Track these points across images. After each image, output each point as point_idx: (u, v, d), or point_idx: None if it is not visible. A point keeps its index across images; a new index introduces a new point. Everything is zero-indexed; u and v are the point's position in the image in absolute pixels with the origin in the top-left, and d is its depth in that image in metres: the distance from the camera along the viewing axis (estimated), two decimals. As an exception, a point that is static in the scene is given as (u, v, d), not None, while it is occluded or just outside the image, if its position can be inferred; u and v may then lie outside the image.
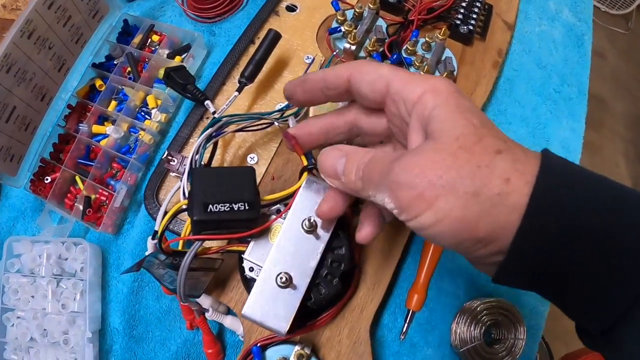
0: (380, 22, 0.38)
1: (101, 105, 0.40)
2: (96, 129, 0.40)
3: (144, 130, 0.39)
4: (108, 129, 0.40)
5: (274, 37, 0.35)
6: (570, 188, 0.18)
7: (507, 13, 0.45)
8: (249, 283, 0.33)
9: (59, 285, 0.39)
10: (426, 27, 0.41)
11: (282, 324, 0.26)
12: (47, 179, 0.40)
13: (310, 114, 0.33)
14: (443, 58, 0.38)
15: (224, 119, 0.31)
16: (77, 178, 0.40)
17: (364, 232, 0.25)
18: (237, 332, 0.35)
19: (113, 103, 0.41)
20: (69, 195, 0.40)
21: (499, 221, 0.18)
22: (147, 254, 0.36)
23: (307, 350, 0.30)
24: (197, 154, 0.29)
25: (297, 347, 0.30)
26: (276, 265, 0.27)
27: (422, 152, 0.19)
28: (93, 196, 0.39)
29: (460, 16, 0.41)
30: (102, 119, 0.41)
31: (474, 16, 0.41)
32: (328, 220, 0.27)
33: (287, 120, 0.32)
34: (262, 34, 0.39)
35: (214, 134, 0.31)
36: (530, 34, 0.47)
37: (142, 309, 0.38)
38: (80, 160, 0.40)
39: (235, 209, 0.26)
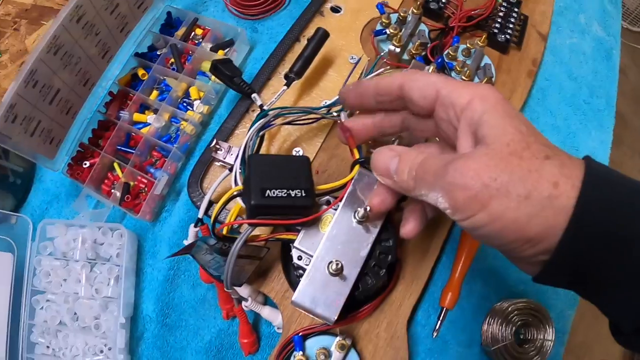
0: (423, 27, 0.41)
1: (143, 94, 0.42)
2: (137, 117, 0.42)
3: (186, 120, 0.41)
4: (149, 117, 0.42)
5: (323, 35, 0.37)
6: (614, 193, 0.20)
7: (542, 24, 0.47)
8: (290, 273, 0.35)
9: (92, 269, 0.40)
10: (465, 34, 0.43)
11: (332, 312, 0.28)
12: (85, 164, 0.42)
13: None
14: (482, 65, 0.40)
15: (277, 110, 0.32)
16: (116, 164, 0.42)
17: (409, 227, 0.27)
18: (273, 323, 0.36)
19: (154, 93, 0.43)
20: (106, 181, 0.42)
21: (547, 222, 0.19)
22: (185, 242, 0.37)
23: (348, 341, 0.32)
24: (250, 140, 0.31)
25: (338, 338, 0.32)
26: (328, 254, 0.28)
27: (476, 156, 0.21)
28: (132, 183, 0.41)
29: (497, 25, 0.43)
30: (143, 108, 0.43)
31: (511, 26, 0.44)
32: (378, 213, 0.28)
33: (335, 115, 0.34)
34: (307, 33, 0.41)
35: (265, 125, 0.32)
36: (562, 46, 0.49)
37: (177, 297, 0.39)
38: (119, 147, 0.42)
39: (292, 195, 0.27)
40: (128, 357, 0.39)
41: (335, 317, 0.28)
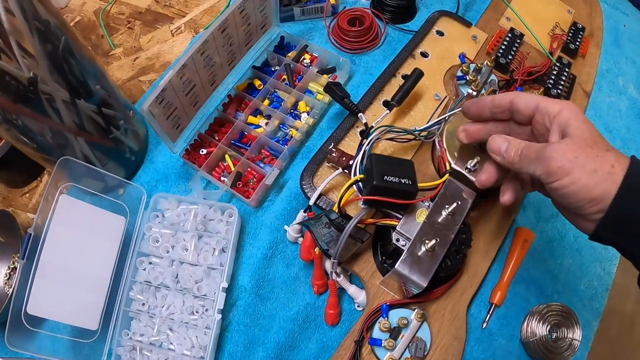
0: (493, 77, 0.63)
1: (258, 101, 0.62)
2: (251, 119, 0.63)
3: (295, 129, 0.61)
4: (261, 121, 0.62)
5: (419, 74, 0.59)
6: None
7: (587, 84, 0.70)
8: (378, 259, 0.54)
9: (199, 240, 0.59)
10: (525, 86, 0.66)
11: (424, 279, 0.47)
12: (202, 151, 0.61)
13: (443, 138, 0.56)
14: (538, 112, 0.62)
15: (386, 127, 0.53)
16: (227, 156, 0.61)
17: (506, 197, 0.47)
18: (355, 300, 0.55)
19: (266, 101, 0.64)
20: (216, 168, 0.61)
21: (605, 189, 0.38)
22: (286, 227, 0.57)
23: (425, 313, 0.51)
24: (367, 145, 0.52)
25: (417, 309, 0.51)
26: (424, 236, 0.48)
27: (565, 143, 0.40)
28: (243, 173, 0.60)
29: (551, 81, 0.66)
30: (256, 112, 0.63)
31: (562, 83, 0.67)
32: (485, 186, 0.48)
33: (429, 137, 0.55)
34: (402, 70, 0.63)
35: (377, 137, 0.53)
36: (602, 103, 0.72)
37: (272, 273, 0.58)
38: (233, 142, 0.62)
39: (403, 182, 0.47)
40: (221, 320, 0.56)
41: (426, 284, 0.47)
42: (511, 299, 0.58)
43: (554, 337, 0.57)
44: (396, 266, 0.48)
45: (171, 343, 0.56)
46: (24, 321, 0.50)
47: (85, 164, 0.58)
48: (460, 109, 0.58)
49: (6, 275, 0.64)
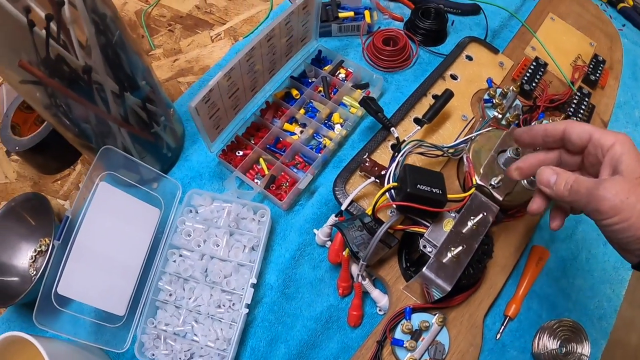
0: (517, 102, 0.71)
1: (294, 109, 0.70)
2: (286, 126, 0.70)
3: (328, 138, 0.69)
4: (296, 129, 0.70)
5: (449, 95, 0.67)
6: None
7: (605, 113, 0.79)
8: (403, 265, 0.61)
9: (231, 237, 0.65)
10: (547, 113, 0.74)
11: (448, 283, 0.54)
12: (239, 153, 0.69)
13: (470, 154, 0.64)
14: (558, 138, 0.71)
15: (417, 141, 0.61)
16: (262, 159, 0.69)
17: (556, 223, 0.52)
18: (378, 304, 0.62)
19: (302, 110, 0.71)
20: (250, 170, 0.69)
21: None
22: (315, 230, 0.64)
23: (446, 318, 0.58)
24: (402, 156, 0.59)
25: (438, 314, 0.58)
26: (450, 244, 0.55)
27: (616, 182, 0.42)
28: (277, 176, 0.67)
29: (571, 109, 0.75)
30: (291, 120, 0.71)
31: (581, 111, 0.75)
32: (535, 215, 0.53)
33: (456, 154, 0.63)
34: (432, 90, 0.71)
35: (409, 150, 0.61)
36: (618, 134, 0.81)
37: (298, 273, 0.64)
38: (268, 146, 0.69)
39: (434, 191, 0.55)
40: (247, 314, 0.63)
41: (450, 288, 0.54)
42: (524, 313, 0.65)
43: (563, 351, 0.64)
44: (423, 270, 0.54)
45: (195, 334, 0.61)
46: (53, 301, 0.54)
47: (125, 155, 0.64)
48: (486, 129, 0.66)
49: (31, 258, 0.70)
